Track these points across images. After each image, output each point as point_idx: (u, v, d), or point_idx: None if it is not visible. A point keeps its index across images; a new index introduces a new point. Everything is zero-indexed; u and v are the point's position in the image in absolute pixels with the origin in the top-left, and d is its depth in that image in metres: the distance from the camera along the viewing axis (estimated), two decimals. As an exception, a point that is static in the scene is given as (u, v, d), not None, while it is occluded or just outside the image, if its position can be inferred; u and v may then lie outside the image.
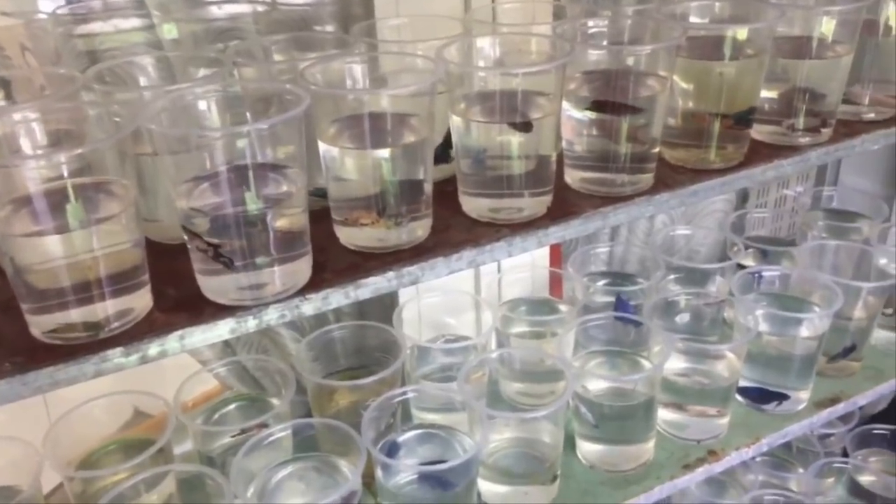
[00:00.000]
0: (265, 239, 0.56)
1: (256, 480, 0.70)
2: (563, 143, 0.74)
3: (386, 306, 0.93)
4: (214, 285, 0.58)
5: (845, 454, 1.16)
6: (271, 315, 0.58)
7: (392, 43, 0.73)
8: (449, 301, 0.94)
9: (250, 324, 0.57)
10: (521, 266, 1.02)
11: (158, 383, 0.79)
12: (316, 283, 0.60)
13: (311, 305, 0.59)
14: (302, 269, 0.60)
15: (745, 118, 0.75)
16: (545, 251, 1.07)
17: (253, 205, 0.55)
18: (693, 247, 1.24)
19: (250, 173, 0.55)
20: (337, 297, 0.60)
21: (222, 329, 0.56)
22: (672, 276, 1.02)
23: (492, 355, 0.87)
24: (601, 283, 1.00)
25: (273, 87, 0.61)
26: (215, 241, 0.56)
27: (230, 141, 0.54)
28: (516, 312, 0.96)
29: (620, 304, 0.92)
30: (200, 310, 0.57)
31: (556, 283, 1.05)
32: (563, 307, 0.96)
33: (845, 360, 0.95)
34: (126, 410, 0.79)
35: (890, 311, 1.00)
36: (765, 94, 0.80)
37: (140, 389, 0.77)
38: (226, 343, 1.00)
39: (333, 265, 0.62)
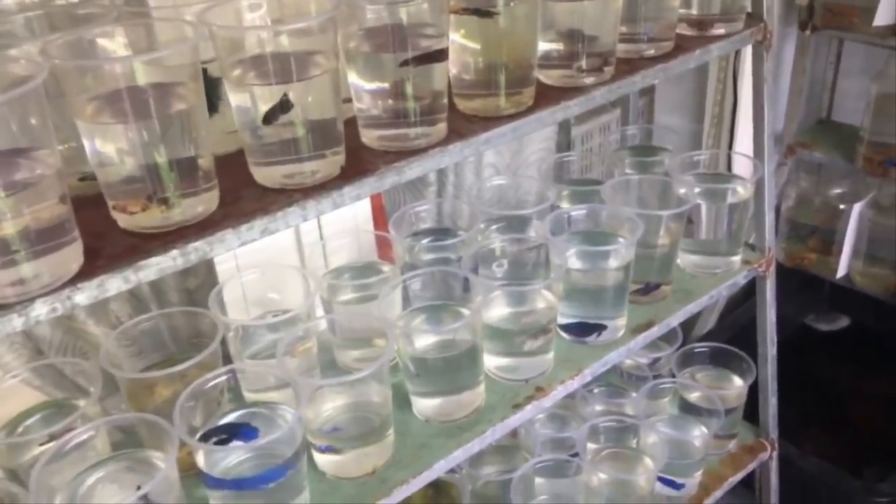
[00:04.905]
0: (19, 229, 0.52)
1: (65, 489, 0.66)
2: (354, 104, 0.73)
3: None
4: (-30, 286, 0.53)
5: (674, 376, 1.24)
6: (39, 310, 0.54)
7: (160, 9, 0.70)
8: (271, 276, 0.92)
9: (15, 322, 0.53)
10: (343, 232, 1.01)
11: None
12: (89, 271, 0.56)
13: (84, 295, 0.56)
14: (68, 257, 0.56)
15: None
16: (367, 215, 1.07)
17: (-1, 193, 0.51)
18: (521, 196, 1.28)
19: (-11, 160, 0.50)
20: (115, 283, 0.57)
21: (-19, 332, 0.52)
22: (495, 226, 1.04)
23: (313, 324, 0.85)
24: (425, 240, 1.01)
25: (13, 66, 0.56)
26: (-39, 237, 0.51)
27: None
28: (341, 279, 0.95)
29: None
30: (-46, 314, 0.52)
31: (385, 246, 1.05)
32: (386, 268, 0.96)
33: (655, 290, 1.01)
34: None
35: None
36: (549, 39, 0.82)
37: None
38: (39, 351, 0.94)
39: (110, 250, 0.59)
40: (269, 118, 0.64)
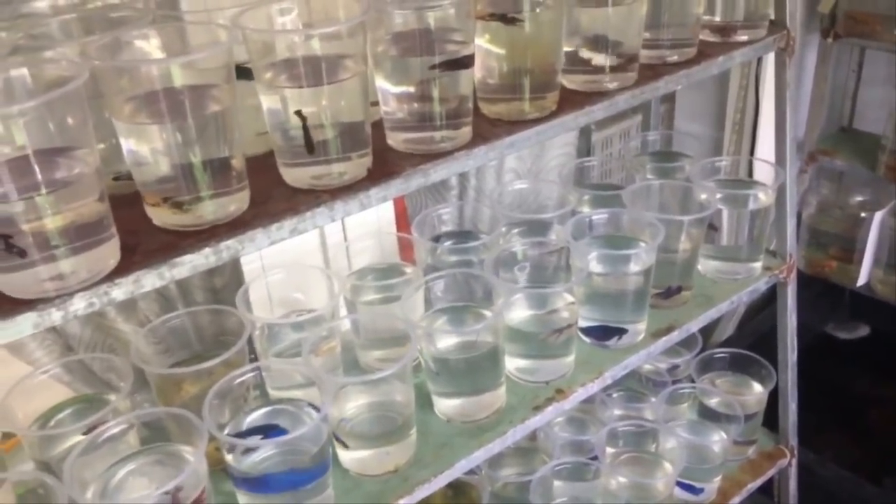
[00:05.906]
0: (59, 226, 0.54)
1: (96, 480, 0.68)
2: (381, 107, 0.75)
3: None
4: (12, 281, 0.55)
5: (693, 381, 1.24)
6: (78, 304, 0.56)
7: (193, 13, 0.71)
8: (296, 276, 0.94)
9: (55, 316, 0.55)
10: (367, 234, 1.02)
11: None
12: (125, 267, 0.58)
13: (121, 290, 0.57)
14: (106, 254, 0.57)
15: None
16: (391, 217, 1.08)
17: (40, 190, 0.53)
18: (542, 201, 1.29)
19: (32, 158, 0.52)
20: (150, 279, 0.59)
21: (23, 325, 0.54)
22: (516, 230, 1.05)
23: (337, 324, 0.87)
24: (447, 243, 1.02)
25: (53, 68, 0.58)
26: (4, 231, 0.53)
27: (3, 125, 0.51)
28: (365, 280, 0.97)
29: None
30: (-4, 307, 0.54)
31: (407, 248, 1.06)
32: (409, 270, 0.97)
33: (676, 295, 1.02)
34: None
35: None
36: (574, 44, 0.83)
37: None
38: (68, 347, 0.96)
39: (145, 247, 0.61)
40: (311, 146, 0.66)
